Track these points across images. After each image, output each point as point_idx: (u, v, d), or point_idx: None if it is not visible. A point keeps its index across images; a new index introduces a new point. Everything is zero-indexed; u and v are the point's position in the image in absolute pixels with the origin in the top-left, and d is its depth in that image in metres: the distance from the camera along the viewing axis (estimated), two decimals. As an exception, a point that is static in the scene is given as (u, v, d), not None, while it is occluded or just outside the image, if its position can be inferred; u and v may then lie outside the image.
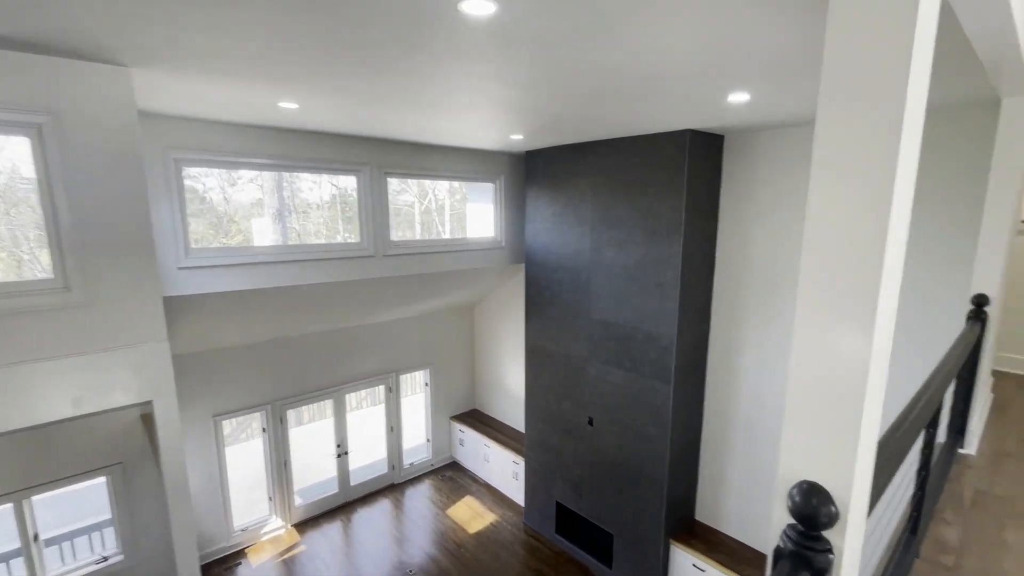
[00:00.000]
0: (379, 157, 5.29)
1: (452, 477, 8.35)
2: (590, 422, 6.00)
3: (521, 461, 7.25)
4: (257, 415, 6.64)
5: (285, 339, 6.47)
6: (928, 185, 3.97)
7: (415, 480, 8.26)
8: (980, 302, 2.76)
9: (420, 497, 7.85)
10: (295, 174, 7.98)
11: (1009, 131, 2.64)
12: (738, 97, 3.22)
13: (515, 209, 6.77)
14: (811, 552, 0.84)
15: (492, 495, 7.83)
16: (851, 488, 0.80)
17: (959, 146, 3.76)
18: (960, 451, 2.93)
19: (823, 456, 0.83)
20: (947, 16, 1.85)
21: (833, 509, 0.83)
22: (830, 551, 0.84)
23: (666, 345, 5.07)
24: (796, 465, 0.87)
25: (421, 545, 6.67)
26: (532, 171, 6.27)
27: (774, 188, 4.83)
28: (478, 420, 8.54)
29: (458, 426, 8.54)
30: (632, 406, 5.51)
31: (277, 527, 6.81)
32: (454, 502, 7.68)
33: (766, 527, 4.96)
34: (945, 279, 3.86)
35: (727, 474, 5.54)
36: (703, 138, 4.81)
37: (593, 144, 5.47)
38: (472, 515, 7.36)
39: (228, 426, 9.93)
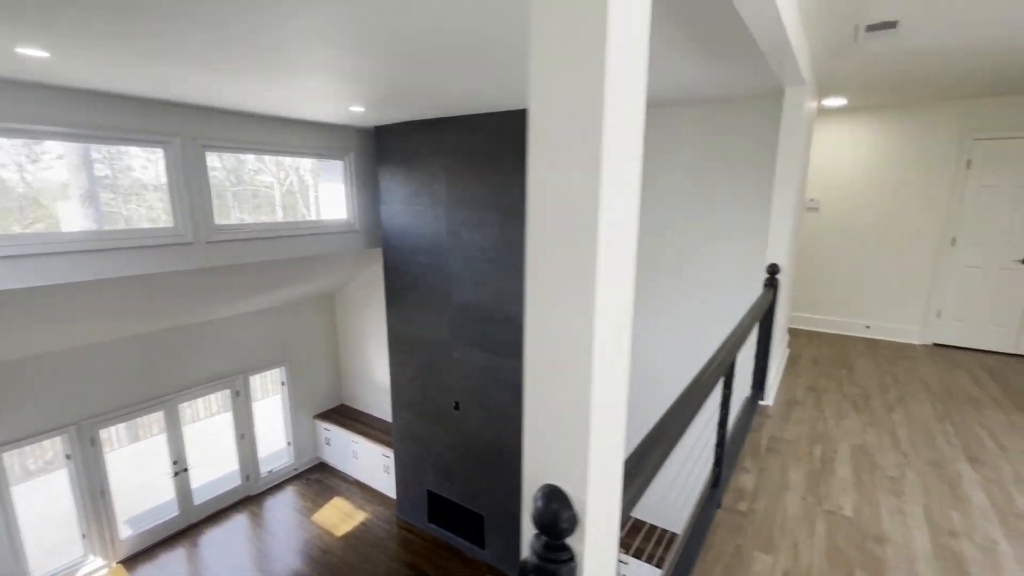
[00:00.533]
0: (194, 127, 4.52)
1: (319, 479, 7.78)
2: (456, 407, 5.91)
3: (391, 454, 6.97)
4: (58, 439, 5.48)
5: (93, 345, 5.38)
6: (740, 167, 4.43)
7: (276, 488, 7.55)
8: (772, 270, 3.12)
9: (282, 506, 7.19)
10: (122, 149, 6.66)
11: (791, 118, 2.97)
12: (570, 75, 3.23)
13: (368, 189, 6.33)
14: (553, 564, 0.76)
15: (363, 492, 7.45)
16: (586, 488, 0.72)
17: (762, 132, 4.23)
18: (760, 403, 3.33)
19: (559, 455, 0.75)
20: (732, 12, 1.94)
21: (573, 513, 0.75)
22: (572, 560, 0.76)
23: (523, 325, 5.12)
24: (538, 467, 0.78)
25: (282, 558, 6.11)
26: (383, 148, 5.88)
27: (617, 169, 5.06)
28: (345, 416, 8.04)
29: (323, 424, 7.96)
30: (495, 387, 5.53)
31: (97, 568, 5.76)
32: (321, 506, 7.16)
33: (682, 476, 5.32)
34: (759, 250, 4.36)
35: (587, 442, 5.85)
36: (550, 118, 4.86)
37: (444, 121, 5.26)
38: (341, 517, 6.94)
39: (31, 458, 8.15)
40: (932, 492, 2.37)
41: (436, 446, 6.25)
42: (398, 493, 6.91)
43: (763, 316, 3.22)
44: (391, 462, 7.01)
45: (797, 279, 5.15)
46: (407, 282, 6.02)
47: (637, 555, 4.82)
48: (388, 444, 7.10)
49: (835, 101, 4.34)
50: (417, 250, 5.82)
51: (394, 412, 6.68)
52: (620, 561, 5.10)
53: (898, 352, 4.50)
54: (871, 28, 2.33)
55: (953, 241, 4.50)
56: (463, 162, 5.22)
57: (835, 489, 2.39)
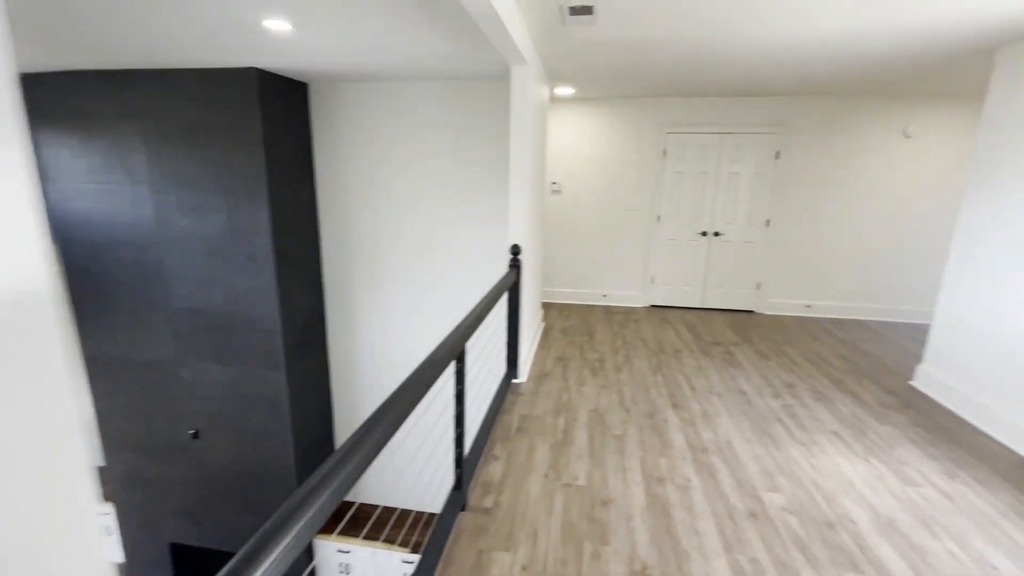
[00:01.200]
0: None
1: None
2: (195, 435, 4.81)
3: (111, 508, 5.39)
4: None
5: None
6: (490, 147, 4.45)
7: (-93, 602, 5.13)
8: (515, 251, 3.15)
9: (-80, 625, 4.91)
10: None
11: (517, 98, 2.99)
12: (278, 24, 2.66)
13: (23, 163, 4.55)
14: None
15: (70, 568, 5.60)
16: None
17: (504, 113, 4.31)
18: (514, 381, 3.39)
19: None
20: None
21: None
22: None
23: (270, 327, 4.37)
24: None
25: None
26: (40, 106, 4.26)
27: (368, 144, 4.63)
28: (30, 473, 5.90)
29: (-8, 492, 5.70)
30: (244, 404, 4.64)
31: None
32: (-4, 605, 5.13)
33: (409, 484, 5.08)
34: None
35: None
36: (280, 82, 4.13)
37: (135, 74, 4.03)
38: (32, 611, 5.08)
39: None
40: (647, 444, 2.67)
41: (174, 487, 5.03)
42: (127, 556, 5.40)
43: (510, 296, 3.24)
44: (112, 519, 5.42)
45: (548, 256, 5.57)
46: (102, 286, 4.57)
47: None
48: (104, 497, 5.47)
49: (565, 90, 4.69)
50: (113, 243, 4.44)
51: (107, 456, 5.14)
52: (406, 561, 4.73)
53: (627, 316, 5.22)
54: (573, 11, 2.41)
55: (658, 218, 5.39)
56: (169, 128, 4.11)
57: (573, 459, 2.49)
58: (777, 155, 5.06)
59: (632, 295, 5.61)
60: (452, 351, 1.77)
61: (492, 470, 2.38)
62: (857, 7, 2.43)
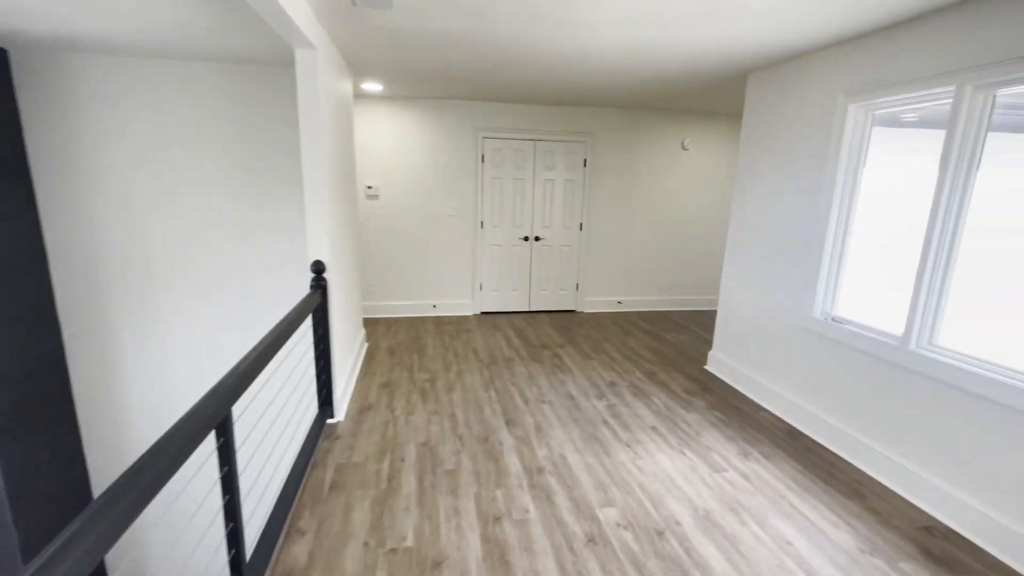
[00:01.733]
0: None
1: None
2: None
3: None
4: None
5: None
6: (280, 147, 3.80)
7: None
8: (318, 269, 2.67)
9: None
10: None
11: (306, 83, 2.50)
12: None
13: None
14: None
15: None
16: None
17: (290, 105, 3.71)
18: (329, 421, 2.89)
19: None
20: None
21: None
22: None
23: (-38, 391, 3.08)
24: None
25: None
26: None
27: (120, 137, 3.59)
28: None
29: None
30: (-78, 506, 3.20)
31: None
32: None
33: (186, 557, 4.09)
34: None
35: (137, 519, 4.23)
36: (-49, 44, 2.91)
37: None
38: None
39: None
40: (481, 474, 2.45)
41: None
42: None
43: (316, 322, 2.74)
44: None
45: (369, 267, 5.07)
46: None
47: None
48: None
49: (372, 86, 4.27)
50: None
51: None
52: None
53: (458, 325, 5.02)
54: (362, -12, 2.06)
55: (482, 224, 5.31)
56: None
57: (399, 513, 2.14)
58: (585, 162, 5.37)
59: (462, 303, 5.43)
60: (206, 423, 1.28)
61: (296, 552, 1.89)
62: (634, 21, 2.54)
